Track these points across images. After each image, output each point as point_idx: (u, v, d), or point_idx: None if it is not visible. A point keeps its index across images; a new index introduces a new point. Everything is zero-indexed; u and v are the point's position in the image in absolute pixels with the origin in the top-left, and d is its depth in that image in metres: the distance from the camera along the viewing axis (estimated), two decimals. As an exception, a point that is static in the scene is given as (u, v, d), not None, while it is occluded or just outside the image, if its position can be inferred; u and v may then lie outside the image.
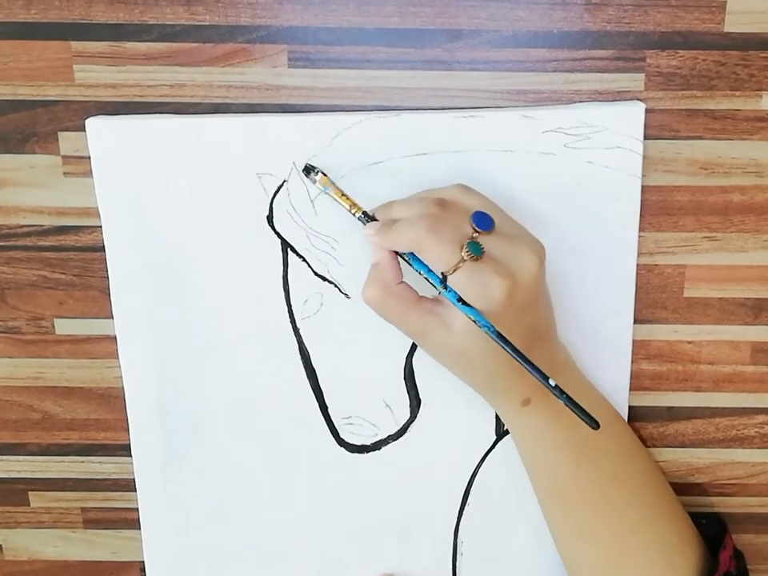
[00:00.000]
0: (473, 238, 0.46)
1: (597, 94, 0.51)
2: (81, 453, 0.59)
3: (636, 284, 0.55)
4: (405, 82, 0.51)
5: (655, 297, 0.55)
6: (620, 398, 0.56)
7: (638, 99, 0.51)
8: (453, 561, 0.59)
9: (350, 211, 0.50)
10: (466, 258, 0.45)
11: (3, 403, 0.58)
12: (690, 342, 0.56)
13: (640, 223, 0.53)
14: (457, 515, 0.58)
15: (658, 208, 0.54)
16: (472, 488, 0.58)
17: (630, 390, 0.57)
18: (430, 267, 0.46)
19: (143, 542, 0.59)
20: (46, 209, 0.54)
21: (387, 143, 0.51)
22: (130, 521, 0.59)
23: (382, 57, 0.51)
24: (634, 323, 0.55)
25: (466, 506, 0.58)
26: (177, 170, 0.52)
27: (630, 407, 0.57)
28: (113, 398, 0.58)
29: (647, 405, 0.58)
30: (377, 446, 0.57)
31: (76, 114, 0.52)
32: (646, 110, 0.51)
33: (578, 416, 0.45)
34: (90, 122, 0.51)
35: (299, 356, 0.55)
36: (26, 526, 0.61)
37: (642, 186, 0.53)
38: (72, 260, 0.55)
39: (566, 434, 0.51)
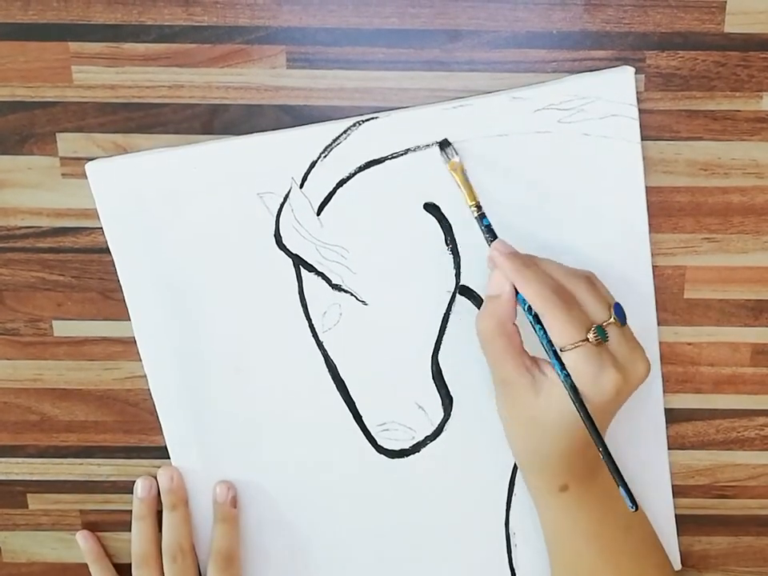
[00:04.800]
0: (602, 324, 0.46)
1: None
2: (79, 455, 0.59)
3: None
4: (404, 83, 0.51)
5: (655, 298, 0.55)
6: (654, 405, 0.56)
7: (627, 65, 0.51)
8: (508, 553, 0.59)
9: (468, 202, 0.49)
10: (591, 339, 0.45)
11: (1, 405, 0.58)
12: (690, 344, 0.56)
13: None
14: (505, 507, 0.58)
15: (658, 209, 0.53)
16: (516, 478, 0.57)
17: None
18: (551, 336, 0.46)
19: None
20: (44, 210, 0.54)
21: (381, 145, 0.51)
22: (128, 523, 0.59)
23: (380, 57, 0.51)
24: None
25: (512, 497, 0.58)
26: (180, 201, 0.52)
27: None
28: (111, 400, 0.58)
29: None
30: (416, 448, 0.57)
31: (74, 115, 0.52)
32: (646, 110, 0.51)
33: (625, 496, 0.46)
34: (90, 167, 0.52)
35: (326, 369, 0.55)
36: (25, 528, 0.61)
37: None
38: (70, 261, 0.55)
39: (596, 525, 0.51)
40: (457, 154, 0.50)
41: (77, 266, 0.55)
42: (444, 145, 0.50)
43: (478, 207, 0.49)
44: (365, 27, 0.50)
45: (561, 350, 0.45)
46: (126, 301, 0.54)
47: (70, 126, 0.52)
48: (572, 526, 0.51)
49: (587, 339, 0.45)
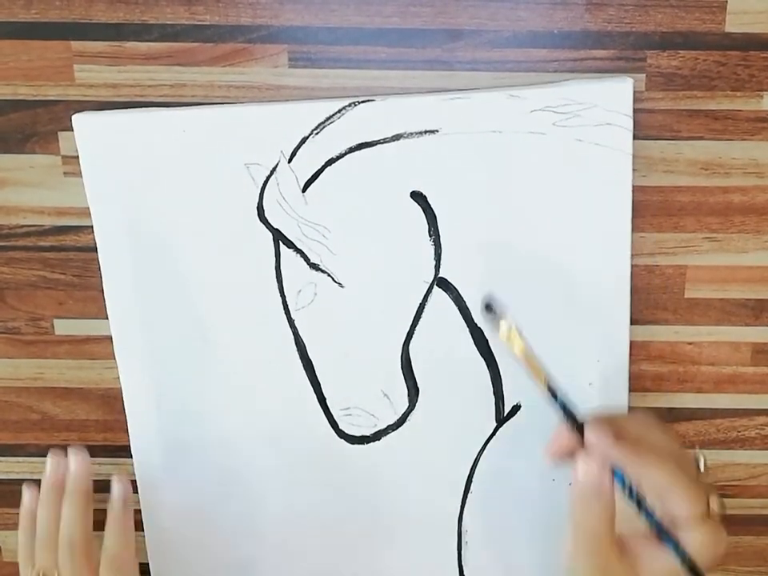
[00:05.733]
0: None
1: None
2: (80, 454, 0.59)
3: (636, 285, 0.55)
4: (405, 82, 0.51)
5: (656, 298, 0.55)
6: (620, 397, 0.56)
7: (627, 75, 0.51)
8: (458, 550, 0.59)
9: (537, 380, 0.43)
10: (716, 509, 0.41)
11: (2, 404, 0.58)
12: (690, 343, 0.56)
13: (640, 224, 0.53)
14: (460, 504, 0.58)
15: (659, 208, 0.53)
16: (474, 476, 0.57)
17: (631, 391, 0.57)
18: (674, 511, 0.41)
19: (146, 542, 0.59)
20: (45, 209, 0.54)
21: (374, 128, 0.51)
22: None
23: (382, 57, 0.51)
24: (634, 324, 0.55)
25: (468, 495, 0.58)
26: (165, 163, 0.51)
27: (632, 408, 0.57)
28: (112, 399, 0.58)
29: (648, 406, 0.58)
30: (377, 436, 0.57)
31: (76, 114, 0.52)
32: (647, 110, 0.51)
33: None
34: (77, 118, 0.51)
35: (295, 348, 0.55)
36: (25, 527, 0.61)
37: (643, 187, 0.53)
38: (72, 260, 0.55)
39: None
40: (504, 316, 0.44)
41: (78, 264, 0.55)
42: (489, 307, 0.44)
43: (549, 388, 0.43)
44: (366, 26, 0.50)
45: (690, 523, 0.41)
46: (99, 258, 0.53)
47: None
48: None
49: (712, 510, 0.41)
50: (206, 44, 0.51)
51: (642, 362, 0.57)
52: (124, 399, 0.56)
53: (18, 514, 0.60)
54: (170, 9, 0.50)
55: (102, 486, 0.59)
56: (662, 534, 0.41)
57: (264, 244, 0.53)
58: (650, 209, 0.53)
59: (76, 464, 0.54)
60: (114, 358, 0.56)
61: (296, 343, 0.55)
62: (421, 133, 0.51)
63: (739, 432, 0.58)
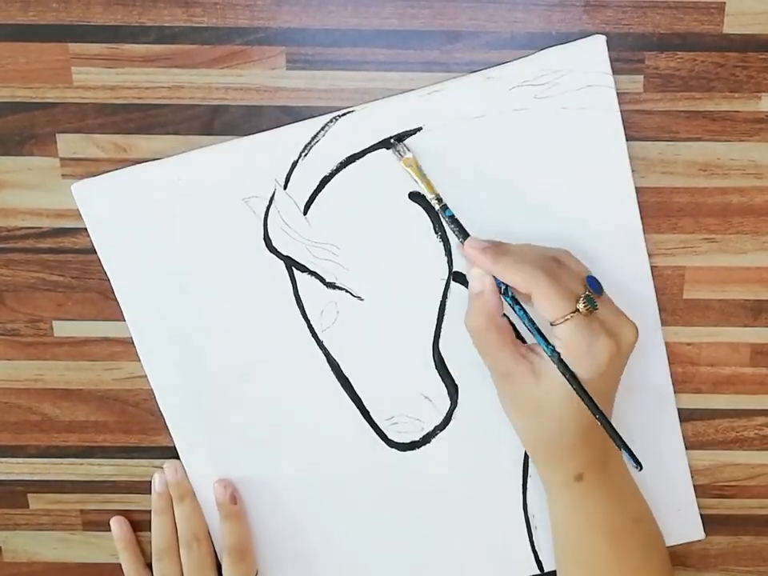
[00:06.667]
0: (587, 293, 0.46)
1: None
2: (80, 455, 0.59)
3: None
4: (403, 84, 0.51)
5: (656, 295, 0.55)
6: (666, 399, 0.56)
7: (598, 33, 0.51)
8: (529, 536, 0.59)
9: (429, 194, 0.50)
10: (582, 309, 0.45)
11: (2, 405, 0.58)
12: (689, 344, 0.56)
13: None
14: (522, 490, 0.58)
15: (657, 210, 0.53)
16: (530, 460, 0.57)
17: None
18: (541, 313, 0.46)
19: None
20: (44, 211, 0.54)
21: (360, 139, 0.51)
22: (129, 523, 0.59)
23: (380, 58, 0.51)
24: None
25: (528, 479, 0.58)
26: (167, 214, 0.52)
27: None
28: (111, 400, 0.58)
29: (646, 407, 0.58)
30: (426, 439, 0.57)
31: (74, 116, 0.52)
32: (645, 111, 0.51)
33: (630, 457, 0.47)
34: (76, 187, 0.52)
35: (329, 368, 0.55)
36: (25, 528, 0.61)
37: (641, 188, 0.53)
38: (70, 262, 0.55)
39: (608, 517, 0.51)
40: (408, 150, 0.50)
41: (77, 266, 0.55)
42: (392, 144, 0.50)
43: (439, 200, 0.50)
44: (364, 28, 0.50)
45: (553, 324, 0.46)
46: (125, 316, 0.54)
47: (70, 126, 0.52)
48: (584, 518, 0.51)
49: (577, 310, 0.45)
50: (203, 46, 0.51)
51: (641, 363, 0.57)
52: (176, 445, 0.57)
53: (18, 514, 0.60)
54: (168, 11, 0.50)
55: (103, 488, 0.59)
56: (535, 334, 0.47)
57: (278, 273, 0.53)
58: (649, 210, 0.53)
59: (174, 471, 0.57)
60: (116, 360, 0.56)
61: (329, 363, 0.55)
62: (405, 133, 0.51)
63: (738, 432, 0.58)
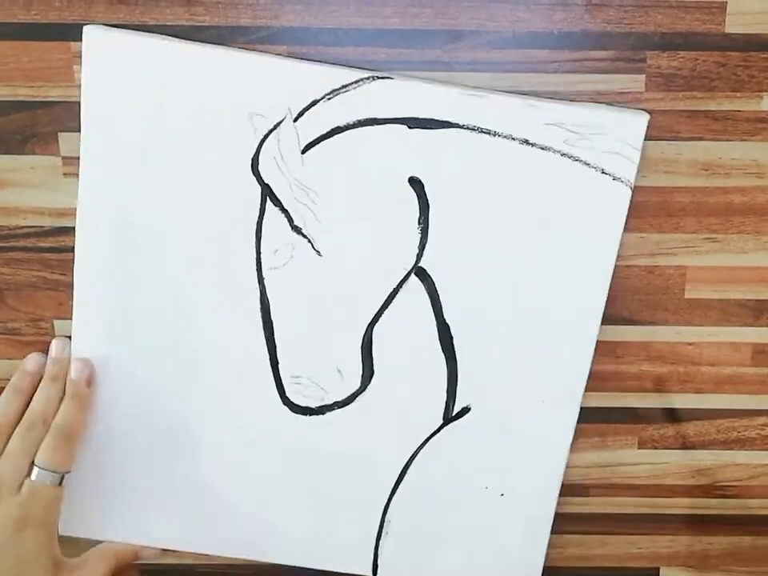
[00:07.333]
0: None
1: (597, 95, 0.51)
2: (80, 454, 0.59)
3: (636, 285, 0.55)
4: (405, 83, 0.51)
5: (656, 298, 0.55)
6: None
7: (643, 110, 0.51)
8: (377, 538, 0.59)
9: None
10: None
11: (3, 405, 0.58)
12: (690, 344, 0.56)
13: (640, 224, 0.54)
14: (389, 494, 0.58)
15: (659, 209, 0.53)
16: (409, 469, 0.57)
17: (632, 391, 0.57)
18: None
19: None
20: (45, 210, 0.54)
21: (387, 106, 0.50)
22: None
23: (382, 58, 0.51)
24: (634, 324, 0.55)
25: (399, 486, 0.57)
26: (168, 96, 0.50)
27: (632, 408, 0.58)
28: (112, 400, 0.58)
29: (648, 406, 0.58)
30: (321, 410, 0.56)
31: (76, 115, 0.51)
32: (647, 110, 0.51)
33: None
34: (89, 29, 0.50)
35: (259, 306, 0.54)
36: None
37: (643, 187, 0.53)
38: (72, 261, 0.54)
39: None
40: None
41: (78, 265, 0.55)
42: None
43: None
44: (366, 27, 0.50)
45: None
46: (79, 184, 0.52)
47: (72, 125, 0.52)
48: None
49: None
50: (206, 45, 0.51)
51: (642, 363, 0.57)
52: (73, 323, 0.55)
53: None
54: (170, 10, 0.50)
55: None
56: None
57: (251, 197, 0.52)
58: (650, 209, 0.53)
59: (61, 349, 0.55)
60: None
61: (261, 301, 0.54)
62: (432, 121, 0.50)
63: (739, 432, 0.58)
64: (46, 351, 0.56)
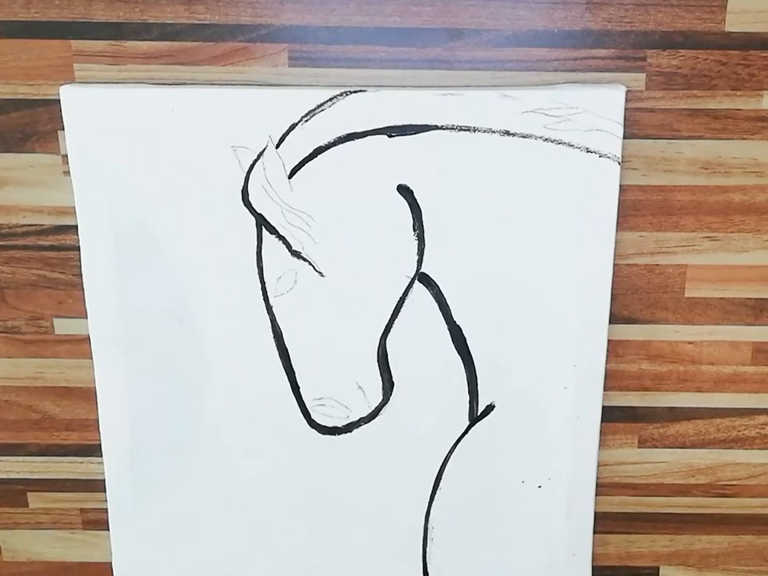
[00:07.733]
0: None
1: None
2: (80, 453, 0.59)
3: (636, 284, 0.55)
4: (406, 81, 0.51)
5: (656, 297, 0.55)
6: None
7: (623, 79, 0.51)
8: (423, 546, 0.59)
9: None
10: None
11: (2, 403, 0.58)
12: (690, 343, 0.56)
13: (640, 223, 0.54)
14: (428, 501, 0.58)
15: (659, 208, 0.53)
16: (444, 473, 0.57)
17: (631, 390, 0.57)
18: None
19: (111, 544, 0.59)
20: (45, 208, 0.54)
21: (365, 119, 0.51)
22: (129, 521, 0.59)
23: (382, 56, 0.51)
24: (634, 324, 0.55)
25: (437, 492, 0.58)
26: (151, 141, 0.51)
27: (632, 407, 0.57)
28: (112, 398, 0.58)
29: (648, 405, 0.58)
30: (348, 428, 0.56)
31: (76, 113, 0.52)
32: (647, 109, 0.51)
33: None
34: (65, 89, 0.50)
35: (271, 334, 0.55)
36: (25, 527, 0.61)
37: (643, 186, 0.53)
38: (71, 260, 0.55)
39: None
40: None
41: (78, 263, 0.54)
42: None
43: None
44: (366, 26, 0.50)
45: None
46: (79, 235, 0.52)
47: (72, 123, 0.52)
48: None
49: None
50: (206, 43, 0.51)
51: (642, 362, 0.57)
52: (96, 381, 0.55)
53: (17, 513, 0.60)
54: (170, 8, 0.50)
55: (103, 486, 0.59)
56: None
57: (247, 228, 0.52)
58: (650, 208, 0.53)
59: None
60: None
61: (273, 330, 0.54)
62: (411, 127, 0.51)
63: (739, 431, 0.58)
64: (45, 351, 0.56)
